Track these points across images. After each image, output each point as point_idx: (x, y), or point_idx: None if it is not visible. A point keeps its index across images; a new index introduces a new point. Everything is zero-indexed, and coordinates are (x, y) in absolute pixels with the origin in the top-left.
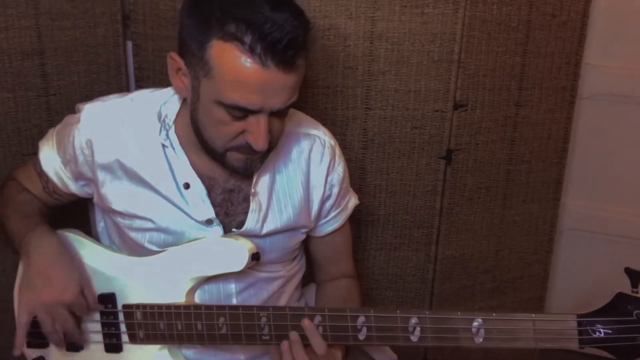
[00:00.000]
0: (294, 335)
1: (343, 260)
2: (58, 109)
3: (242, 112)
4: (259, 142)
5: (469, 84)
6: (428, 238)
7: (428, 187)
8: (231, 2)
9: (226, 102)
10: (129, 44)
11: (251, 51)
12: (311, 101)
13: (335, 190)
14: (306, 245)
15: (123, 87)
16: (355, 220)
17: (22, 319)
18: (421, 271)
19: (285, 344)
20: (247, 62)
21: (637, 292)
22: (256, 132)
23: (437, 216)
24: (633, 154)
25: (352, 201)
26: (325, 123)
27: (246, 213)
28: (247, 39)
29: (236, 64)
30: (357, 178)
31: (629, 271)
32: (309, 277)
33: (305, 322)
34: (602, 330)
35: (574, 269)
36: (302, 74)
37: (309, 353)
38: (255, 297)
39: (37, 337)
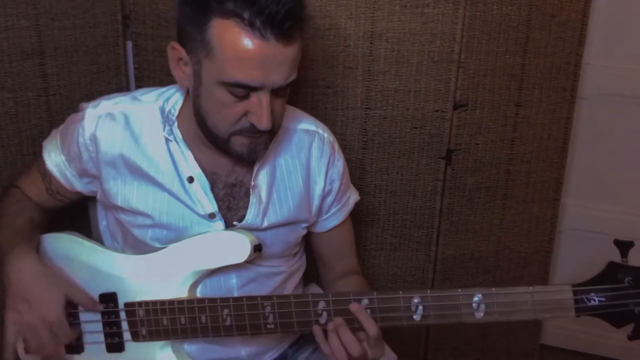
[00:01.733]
0: (338, 319)
1: (348, 256)
2: (58, 109)
3: (244, 91)
4: (263, 121)
5: (469, 84)
6: (428, 238)
7: (428, 187)
8: None
9: (228, 81)
10: (129, 44)
11: (251, 26)
12: (311, 101)
13: (336, 185)
14: (310, 243)
15: (123, 87)
16: (356, 220)
17: (9, 339)
18: (421, 271)
19: (330, 325)
20: (247, 37)
21: (627, 261)
22: (259, 111)
23: (437, 216)
24: (633, 154)
25: (353, 197)
26: (325, 123)
27: (247, 207)
28: (246, 14)
29: (237, 40)
30: (357, 178)
31: (617, 242)
32: (310, 277)
33: (354, 306)
34: (596, 299)
35: (574, 269)
36: (300, 50)
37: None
38: (257, 292)
39: None
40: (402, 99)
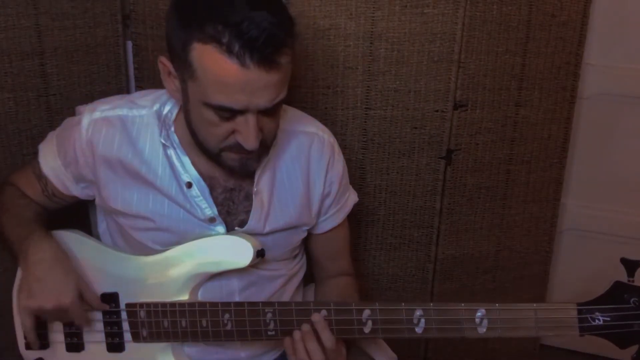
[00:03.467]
0: (305, 326)
1: (341, 257)
2: (58, 109)
3: (229, 113)
4: (249, 142)
5: (469, 84)
6: (428, 238)
7: (428, 187)
8: (211, 4)
9: (212, 103)
10: (129, 44)
11: (229, 51)
12: (311, 101)
13: (335, 187)
14: (305, 242)
15: (123, 87)
16: (355, 220)
17: (27, 323)
18: (421, 271)
19: (297, 334)
20: (226, 63)
21: (633, 281)
22: (245, 131)
23: (437, 216)
24: (633, 154)
25: (352, 198)
26: (325, 123)
27: (248, 212)
28: (225, 39)
29: (216, 65)
30: (357, 178)
31: (624, 261)
32: (310, 278)
33: (316, 317)
34: (601, 318)
35: (574, 269)
36: (287, 72)
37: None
38: (257, 295)
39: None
40: (402, 99)
